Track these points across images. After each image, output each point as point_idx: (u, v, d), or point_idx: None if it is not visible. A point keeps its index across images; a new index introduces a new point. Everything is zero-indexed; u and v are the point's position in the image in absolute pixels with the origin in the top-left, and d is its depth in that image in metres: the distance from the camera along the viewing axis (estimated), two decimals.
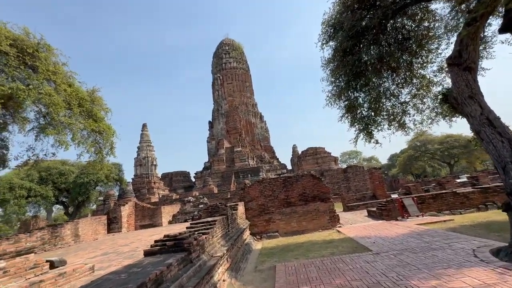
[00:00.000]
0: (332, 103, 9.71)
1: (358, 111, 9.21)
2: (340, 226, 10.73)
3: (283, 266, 5.99)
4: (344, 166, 49.66)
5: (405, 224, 9.07)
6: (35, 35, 9.83)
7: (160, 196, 34.40)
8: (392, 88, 9.42)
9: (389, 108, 9.12)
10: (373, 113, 9.08)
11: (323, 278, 4.70)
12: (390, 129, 8.97)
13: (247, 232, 10.29)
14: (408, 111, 8.92)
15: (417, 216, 9.90)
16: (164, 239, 4.12)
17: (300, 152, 41.92)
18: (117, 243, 9.78)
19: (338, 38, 9.55)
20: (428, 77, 8.84)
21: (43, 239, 10.75)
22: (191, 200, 19.48)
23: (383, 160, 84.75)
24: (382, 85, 9.48)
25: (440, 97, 7.10)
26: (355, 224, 10.64)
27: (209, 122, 51.95)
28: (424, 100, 8.75)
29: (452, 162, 45.14)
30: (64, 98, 10.61)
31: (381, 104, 9.26)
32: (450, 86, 6.77)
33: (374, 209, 12.12)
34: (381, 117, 9.03)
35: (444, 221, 8.84)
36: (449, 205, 10.61)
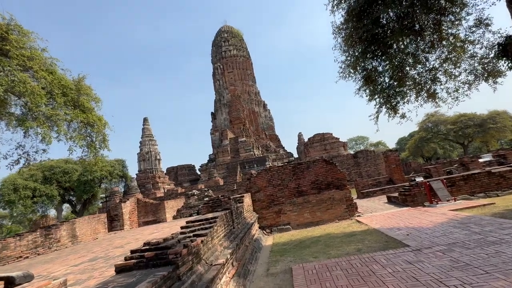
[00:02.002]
0: (347, 75, 8.40)
1: (379, 82, 7.90)
2: (359, 215, 9.60)
3: (300, 268, 4.90)
4: (352, 152, 48.16)
5: (437, 210, 7.88)
6: (4, 16, 8.66)
7: (166, 191, 33.78)
8: (417, 53, 8.03)
9: (416, 76, 7.78)
10: (396, 83, 7.75)
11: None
12: (418, 101, 7.66)
13: (256, 226, 9.26)
14: (439, 78, 7.56)
15: (448, 200, 8.68)
16: (143, 248, 3.04)
17: (306, 140, 40.61)
18: (113, 244, 8.87)
19: None
20: (461, 37, 7.41)
21: (35, 242, 9.93)
22: (196, 193, 18.56)
23: (391, 144, 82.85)
24: (405, 50, 8.07)
25: (495, 49, 5.71)
26: (376, 213, 9.49)
27: (212, 113, 50.72)
28: (458, 63, 7.36)
29: (466, 143, 43.23)
30: (45, 87, 9.54)
31: (405, 73, 7.92)
32: (508, 34, 5.39)
33: (396, 194, 10.92)
34: (407, 87, 7.70)
35: (484, 205, 7.61)
36: (483, 187, 9.34)
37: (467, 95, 7.19)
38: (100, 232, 13.43)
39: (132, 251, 3.10)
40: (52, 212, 45.37)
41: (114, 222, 15.70)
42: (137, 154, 37.60)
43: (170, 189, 33.24)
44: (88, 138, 11.66)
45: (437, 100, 7.62)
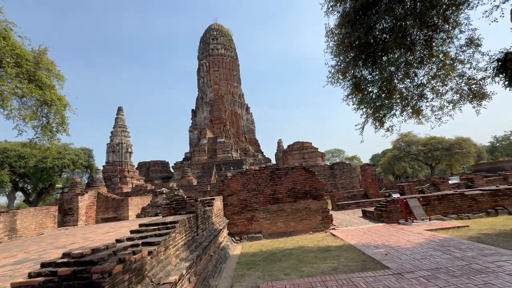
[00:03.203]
0: (336, 81, 8.03)
1: (367, 92, 7.59)
2: (334, 228, 9.19)
3: None
4: (328, 163, 48.98)
5: (413, 229, 7.64)
6: None
7: (134, 186, 31.72)
8: (407, 67, 7.86)
9: (404, 90, 7.59)
10: (384, 95, 7.50)
11: None
12: (403, 116, 7.44)
13: (225, 233, 8.49)
14: (426, 95, 7.41)
15: (423, 220, 8.55)
16: (60, 261, 2.20)
17: (286, 147, 40.53)
18: (55, 243, 7.63)
19: (348, 1, 7.92)
20: (451, 55, 7.34)
21: None
22: (165, 191, 17.30)
23: (365, 159, 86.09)
24: (395, 63, 7.87)
25: (493, 64, 5.54)
26: (352, 227, 9.14)
27: (192, 110, 49.15)
28: (446, 81, 7.27)
29: (433, 164, 45.73)
30: None
31: (394, 86, 7.71)
32: (509, 50, 5.23)
33: (371, 209, 10.71)
34: (394, 100, 7.46)
35: (458, 227, 7.50)
36: (456, 208, 9.37)
37: (450, 115, 7.08)
38: (48, 226, 11.83)
39: (44, 264, 2.24)
40: (3, 200, 40.90)
41: (67, 217, 14.05)
42: (107, 144, 35.11)
43: (139, 185, 31.24)
44: (43, 118, 10.26)
45: (420, 117, 7.46)
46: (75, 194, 14.86)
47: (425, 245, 5.77)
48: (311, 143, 35.21)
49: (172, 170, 40.64)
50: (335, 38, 8.28)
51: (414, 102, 7.42)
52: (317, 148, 35.05)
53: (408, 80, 7.60)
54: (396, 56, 7.68)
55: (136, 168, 40.22)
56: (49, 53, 10.41)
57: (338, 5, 7.96)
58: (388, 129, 7.27)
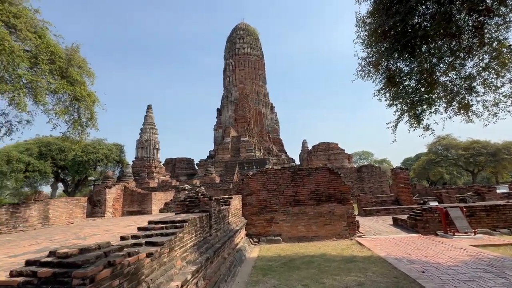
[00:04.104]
0: (366, 74, 7.29)
1: (403, 85, 6.77)
2: (360, 236, 8.42)
3: None
4: (355, 166, 46.55)
5: (454, 243, 6.67)
6: None
7: (160, 181, 32.85)
8: (451, 59, 6.89)
9: (448, 83, 6.64)
10: (423, 89, 6.63)
11: None
12: (447, 112, 6.50)
13: (242, 234, 8.15)
14: (475, 89, 6.40)
15: (467, 233, 7.46)
16: (44, 260, 1.98)
17: (310, 147, 39.37)
18: (79, 233, 7.86)
19: None
20: (508, 42, 6.26)
21: None
22: (187, 188, 17.51)
23: (396, 163, 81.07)
24: (436, 54, 6.92)
25: None
26: (381, 236, 8.30)
27: (218, 109, 49.84)
28: (501, 73, 6.20)
29: (475, 171, 41.52)
30: (30, 49, 8.64)
31: (436, 78, 6.79)
32: None
33: (403, 217, 9.71)
34: (436, 94, 6.56)
35: None
36: (507, 222, 8.10)
37: (509, 111, 6.01)
38: (77, 216, 12.45)
39: (28, 262, 2.03)
40: (48, 189, 44.80)
41: (96, 208, 14.73)
42: (137, 140, 36.81)
43: (164, 180, 32.29)
44: (75, 113, 10.75)
45: (469, 114, 6.45)
46: (103, 187, 15.53)
47: (472, 264, 4.90)
48: (337, 144, 33.77)
49: (197, 168, 41.52)
50: (367, 27, 7.54)
51: (461, 97, 6.45)
52: (344, 150, 33.51)
53: (454, 72, 6.64)
54: (439, 45, 6.75)
55: (163, 164, 41.74)
56: (81, 51, 10.88)
57: None
58: (426, 128, 6.39)
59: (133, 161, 36.41)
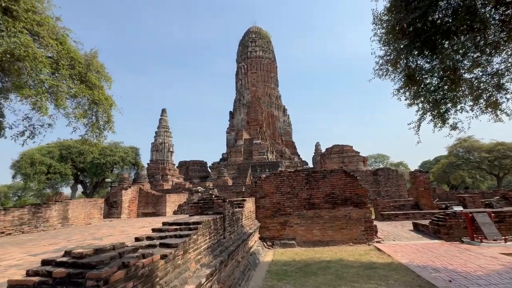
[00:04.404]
0: (384, 73, 7.03)
1: (424, 83, 6.47)
2: (379, 241, 8.08)
3: None
4: (370, 169, 45.22)
5: (483, 251, 6.24)
6: None
7: (174, 184, 33.32)
8: (475, 56, 6.52)
9: (473, 80, 6.28)
10: (446, 87, 6.29)
11: None
12: (474, 110, 6.12)
13: (255, 237, 8.03)
14: (504, 85, 6.01)
15: (496, 240, 6.97)
16: (60, 260, 1.96)
17: (324, 150, 38.73)
18: (96, 233, 8.01)
19: None
20: None
21: (21, 219, 9.33)
22: (200, 190, 17.62)
23: (413, 167, 78.33)
24: (460, 50, 6.58)
25: None
26: (401, 242, 7.92)
27: (230, 112, 50.18)
28: None
29: (500, 175, 39.29)
30: (52, 56, 9.00)
31: (459, 75, 6.44)
32: None
33: (425, 222, 9.25)
34: (461, 92, 6.21)
35: None
36: None
37: None
38: (95, 217, 12.77)
39: (44, 262, 2.02)
40: (68, 191, 46.52)
41: (112, 209, 15.07)
42: (151, 143, 37.62)
43: (178, 183, 32.73)
44: (93, 117, 11.07)
45: (498, 112, 6.05)
46: (120, 189, 15.88)
47: (506, 274, 4.53)
48: (351, 147, 33.03)
49: (210, 170, 41.85)
50: (384, 24, 7.29)
51: (488, 94, 6.07)
52: (358, 152, 32.71)
53: (479, 69, 6.27)
54: (462, 40, 6.41)
55: (176, 167, 42.38)
56: (99, 57, 11.24)
57: None
58: (453, 127, 6.04)
59: (148, 164, 37.20)
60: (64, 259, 1.98)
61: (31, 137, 10.32)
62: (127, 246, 2.41)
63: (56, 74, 8.92)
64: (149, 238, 3.32)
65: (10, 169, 32.01)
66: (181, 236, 3.37)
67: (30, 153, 31.76)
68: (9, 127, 10.72)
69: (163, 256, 2.66)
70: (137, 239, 3.33)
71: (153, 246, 3.00)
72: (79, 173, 37.19)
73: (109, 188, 37.04)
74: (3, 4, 7.42)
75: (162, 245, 3.02)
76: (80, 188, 41.62)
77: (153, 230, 3.76)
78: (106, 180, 33.79)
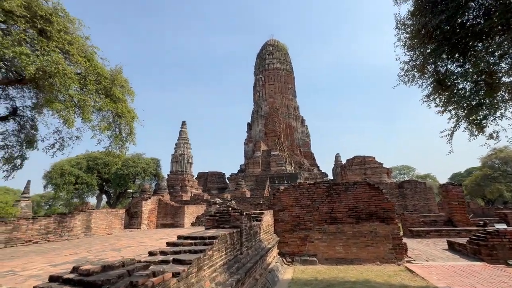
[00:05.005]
0: (410, 79, 6.65)
1: (457, 88, 5.99)
2: (410, 261, 7.38)
3: None
4: (395, 182, 42.78)
5: None
6: (54, 1, 8.87)
7: (192, 195, 33.61)
8: None
9: None
10: (482, 92, 5.77)
11: None
12: None
13: (274, 252, 7.66)
14: None
15: None
16: (65, 277, 1.85)
17: (344, 161, 37.47)
18: (115, 244, 8.06)
19: None
20: None
21: (47, 228, 9.68)
22: (218, 202, 17.52)
23: (442, 179, 73.50)
24: (495, 52, 6.08)
25: None
26: (435, 262, 7.18)
27: (248, 124, 50.53)
28: None
29: None
30: (80, 72, 9.54)
31: (497, 79, 5.90)
32: None
33: (462, 241, 8.38)
34: (500, 97, 5.66)
35: None
36: None
37: None
38: (116, 227, 13.01)
39: (52, 278, 1.92)
40: (94, 201, 48.51)
41: (132, 220, 15.32)
42: (171, 155, 38.55)
43: (197, 194, 32.97)
44: (116, 129, 11.49)
45: None
46: (140, 199, 16.18)
47: None
48: (374, 158, 31.66)
49: (228, 182, 41.89)
50: (408, 29, 6.98)
51: None
52: (382, 163, 31.24)
53: None
54: (498, 41, 5.92)
55: (195, 178, 42.92)
56: (124, 71, 11.79)
57: None
58: (492, 136, 5.48)
59: (168, 175, 38.01)
60: (71, 275, 1.87)
61: (60, 149, 10.86)
62: (137, 262, 2.28)
63: (84, 89, 9.41)
64: (162, 252, 3.18)
65: (42, 179, 33.96)
66: (195, 252, 3.19)
67: (61, 164, 33.68)
68: (41, 140, 11.43)
69: (176, 274, 2.48)
70: (150, 254, 3.20)
71: (166, 262, 2.85)
72: (104, 183, 38.71)
73: (131, 198, 38.19)
74: (39, 26, 8.02)
75: (176, 261, 2.86)
76: (104, 198, 43.27)
77: (168, 244, 3.63)
78: (128, 190, 34.82)
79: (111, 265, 2.01)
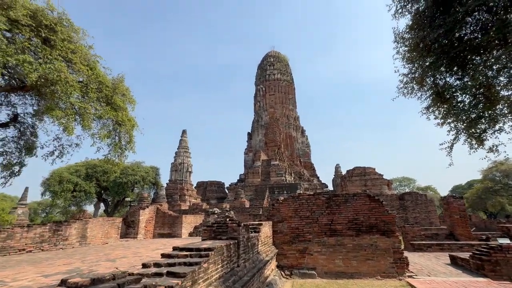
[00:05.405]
0: (409, 91, 6.69)
1: (456, 101, 6.02)
2: (411, 276, 7.19)
3: None
4: (395, 193, 42.35)
5: None
6: (59, 11, 9.06)
7: (191, 204, 33.26)
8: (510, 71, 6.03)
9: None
10: (481, 105, 5.79)
11: None
12: None
13: (272, 265, 7.49)
14: None
15: None
16: None
17: (344, 172, 37.29)
18: (110, 255, 7.89)
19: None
20: None
21: (42, 236, 9.50)
22: (216, 212, 17.30)
23: (442, 191, 72.93)
24: (493, 66, 6.14)
25: None
26: (437, 278, 6.99)
27: (248, 133, 50.65)
28: None
29: None
30: (82, 80, 9.62)
31: (495, 92, 5.94)
32: None
33: (464, 256, 8.20)
34: (497, 110, 5.67)
35: None
36: None
37: None
38: (112, 237, 12.79)
39: None
40: (91, 209, 48.02)
41: (129, 229, 15.09)
42: (171, 163, 38.43)
43: (195, 203, 32.62)
44: (116, 137, 11.49)
45: None
46: (138, 208, 15.99)
47: None
48: (374, 169, 31.52)
49: (227, 191, 41.56)
50: (406, 42, 7.09)
51: None
52: (382, 175, 31.06)
53: None
54: (496, 55, 5.99)
55: (194, 187, 42.61)
56: (126, 80, 11.90)
57: (409, 5, 6.87)
58: (492, 149, 5.45)
59: (167, 184, 37.76)
60: None
61: (59, 156, 10.82)
62: (129, 275, 2.20)
63: (85, 97, 9.47)
64: (156, 265, 3.09)
65: (40, 186, 33.72)
66: (190, 264, 3.10)
67: (60, 171, 33.51)
68: (40, 147, 11.42)
69: None
70: (144, 266, 3.12)
71: (160, 274, 2.76)
72: (102, 191, 38.40)
73: (129, 207, 37.76)
74: (43, 35, 8.15)
75: (170, 274, 2.77)
76: (102, 206, 42.84)
77: (162, 255, 3.54)
78: (126, 199, 34.51)
79: (101, 278, 1.94)
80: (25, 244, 8.97)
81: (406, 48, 6.93)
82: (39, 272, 5.36)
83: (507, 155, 5.56)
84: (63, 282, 1.88)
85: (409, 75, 6.72)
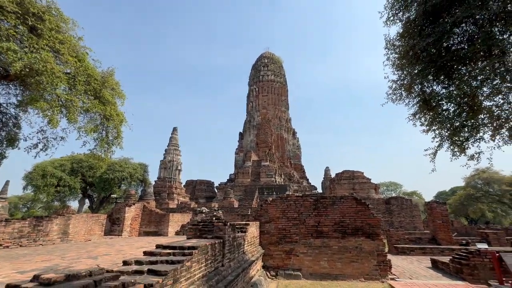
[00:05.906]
0: (398, 98, 6.84)
1: (441, 109, 6.19)
2: (394, 279, 7.34)
3: None
4: (382, 197, 43.26)
5: None
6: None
7: (179, 203, 32.87)
8: (495, 82, 6.26)
9: (494, 108, 5.95)
10: (465, 114, 5.98)
11: None
12: (494, 140, 5.73)
13: (258, 265, 7.48)
14: None
15: None
16: (24, 286, 1.71)
17: (333, 175, 37.74)
18: (92, 252, 7.68)
19: (413, 8, 6.98)
20: None
21: (21, 232, 9.15)
22: (204, 211, 17.14)
23: (427, 197, 74.87)
24: (478, 77, 6.35)
25: None
26: (418, 280, 7.16)
27: (240, 133, 50.55)
28: None
29: None
30: (70, 72, 9.35)
31: (479, 102, 6.15)
32: None
33: (445, 259, 8.43)
34: (479, 120, 5.87)
35: None
36: None
37: None
38: (96, 233, 12.46)
39: (8, 287, 1.77)
40: (76, 204, 46.62)
41: (114, 226, 14.76)
42: (160, 161, 37.87)
43: (183, 202, 32.26)
44: (103, 132, 11.22)
45: None
46: (124, 205, 15.67)
47: None
48: (362, 173, 32.05)
49: (216, 191, 41.30)
50: (397, 50, 7.24)
51: (511, 123, 5.70)
52: (370, 179, 31.63)
53: (500, 96, 5.97)
54: (480, 67, 6.20)
55: (183, 186, 42.13)
56: (116, 75, 11.64)
57: (400, 14, 7.02)
58: (472, 157, 5.63)
59: (155, 181, 37.16)
60: (31, 285, 1.73)
61: (43, 149, 10.46)
62: (107, 272, 2.14)
63: (72, 89, 9.20)
64: (138, 262, 3.03)
65: (22, 180, 32.56)
66: (173, 262, 3.05)
67: (43, 165, 32.43)
68: (23, 139, 11.00)
69: (148, 286, 2.35)
70: (125, 263, 3.05)
71: (141, 272, 2.70)
72: (87, 187, 37.39)
73: (115, 204, 36.93)
74: (30, 23, 7.88)
75: (150, 272, 2.72)
76: (87, 202, 41.72)
77: (145, 253, 3.47)
78: (112, 195, 33.74)
79: (76, 275, 1.88)
80: (2, 239, 8.63)
81: (396, 55, 7.07)
82: (15, 268, 5.16)
83: (491, 163, 5.75)
84: (36, 277, 1.81)
85: (398, 82, 6.87)
